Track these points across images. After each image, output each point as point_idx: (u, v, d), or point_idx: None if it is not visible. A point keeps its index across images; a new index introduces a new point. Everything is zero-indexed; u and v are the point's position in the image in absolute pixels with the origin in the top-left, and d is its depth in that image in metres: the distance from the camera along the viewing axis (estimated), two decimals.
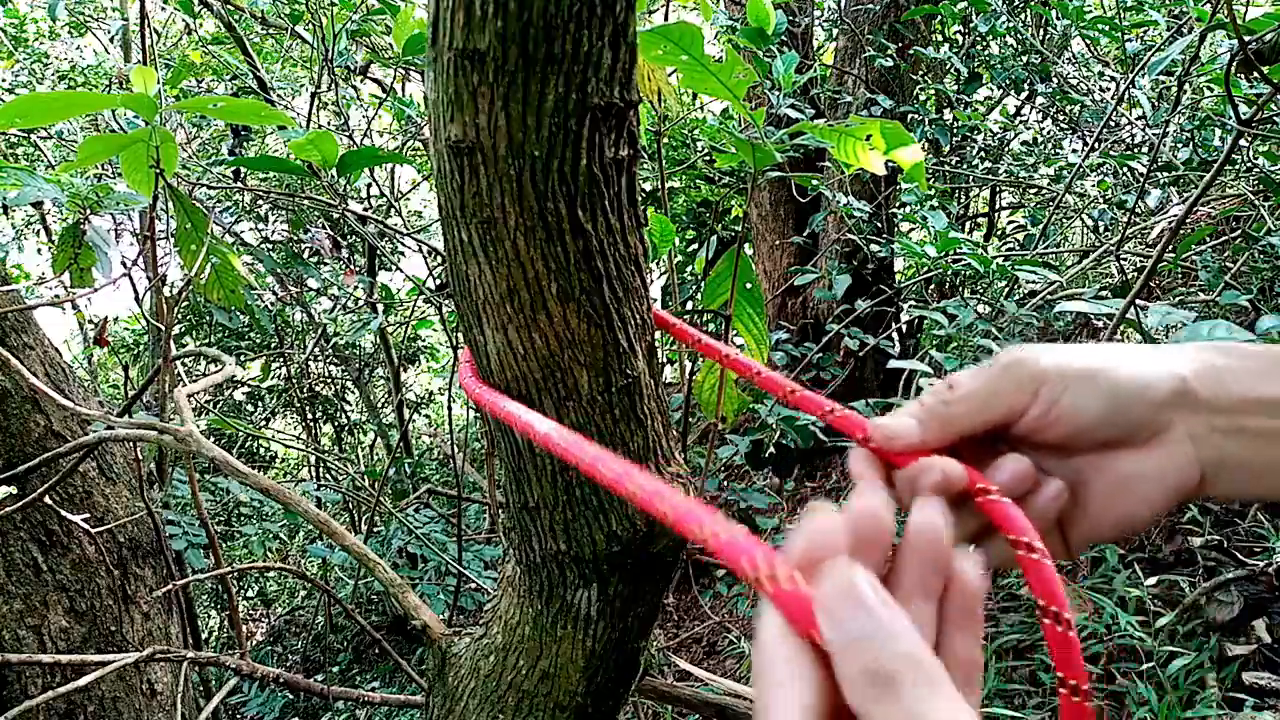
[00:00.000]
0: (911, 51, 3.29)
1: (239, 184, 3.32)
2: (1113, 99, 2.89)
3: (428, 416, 6.85)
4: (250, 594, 4.87)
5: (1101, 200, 3.08)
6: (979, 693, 0.35)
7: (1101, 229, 3.02)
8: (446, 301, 2.61)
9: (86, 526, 1.76)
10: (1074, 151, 3.34)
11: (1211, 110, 2.83)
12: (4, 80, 4.66)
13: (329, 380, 5.35)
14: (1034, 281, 2.78)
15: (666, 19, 3.98)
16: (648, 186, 4.78)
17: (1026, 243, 3.22)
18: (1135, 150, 3.04)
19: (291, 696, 3.42)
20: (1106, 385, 0.40)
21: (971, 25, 3.24)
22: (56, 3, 3.52)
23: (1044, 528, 0.42)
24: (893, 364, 1.96)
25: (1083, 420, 0.41)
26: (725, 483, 4.04)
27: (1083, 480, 0.42)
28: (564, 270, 0.59)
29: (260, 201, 4.08)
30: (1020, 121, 3.91)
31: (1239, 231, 2.58)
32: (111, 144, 1.35)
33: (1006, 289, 2.92)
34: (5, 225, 5.22)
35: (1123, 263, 2.70)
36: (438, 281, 2.74)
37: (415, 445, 6.14)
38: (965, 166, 3.56)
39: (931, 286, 3.25)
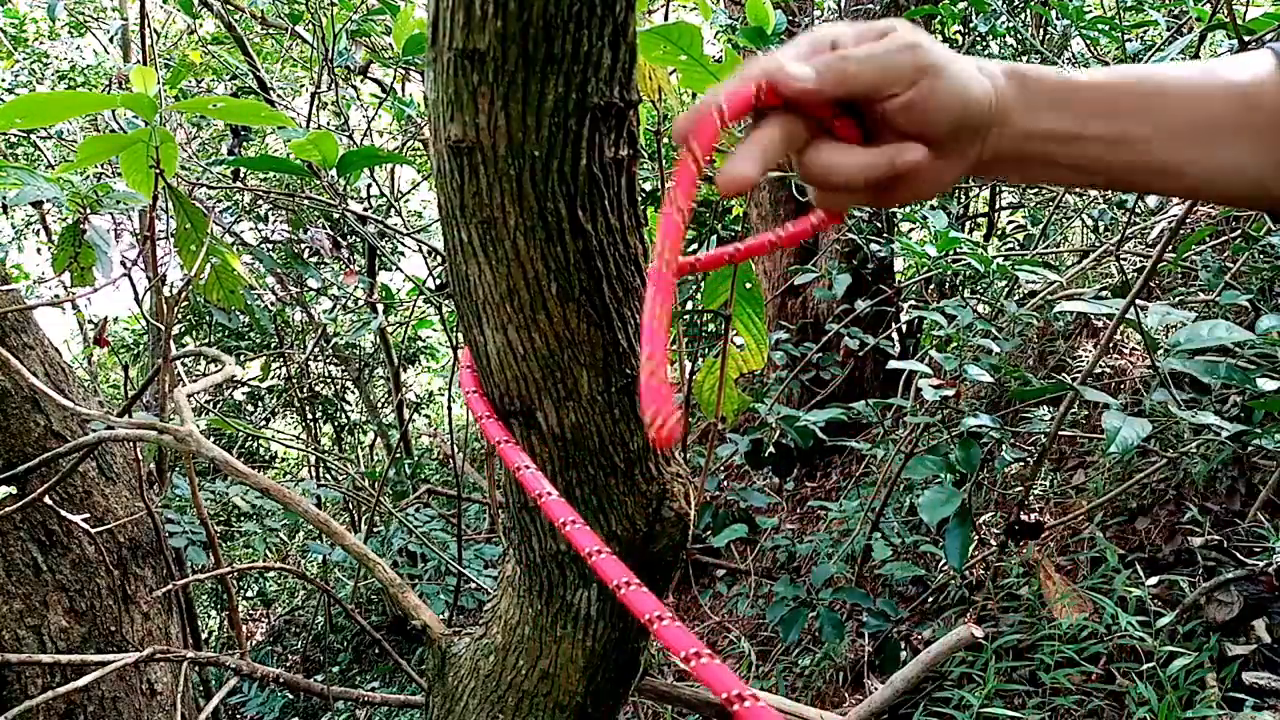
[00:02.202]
0: None
1: (239, 184, 3.32)
2: None
3: (428, 416, 6.85)
4: (250, 594, 4.86)
5: (1101, 200, 3.08)
6: None
7: (1101, 229, 3.02)
8: (446, 301, 2.61)
9: (86, 526, 1.76)
10: None
11: None
12: (4, 80, 4.66)
13: (329, 380, 5.35)
14: (1034, 281, 2.78)
15: (666, 19, 3.98)
16: (648, 186, 4.78)
17: (1026, 243, 3.22)
18: None
19: (291, 696, 3.42)
20: (963, 97, 0.45)
21: (971, 25, 3.24)
22: (56, 3, 3.52)
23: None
24: (893, 364, 1.96)
25: (937, 121, 0.45)
26: (725, 482, 4.04)
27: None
28: (564, 270, 0.59)
29: (260, 201, 4.08)
30: None
31: (1239, 231, 2.58)
32: (111, 144, 1.35)
33: (1006, 289, 2.92)
34: (5, 225, 5.22)
35: (1123, 263, 2.70)
36: (438, 281, 2.74)
37: (415, 445, 6.14)
38: None
39: (931, 286, 3.25)
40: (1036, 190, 3.74)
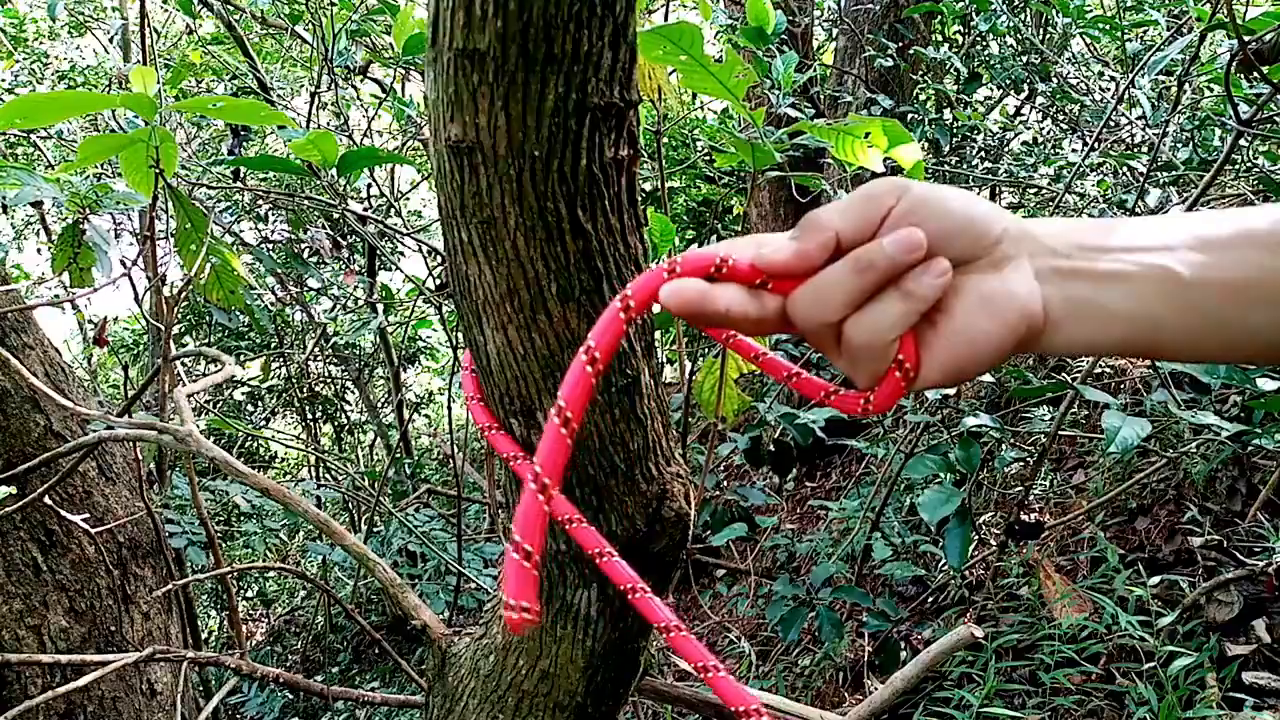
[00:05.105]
0: (911, 51, 3.29)
1: (239, 184, 3.31)
2: (1113, 99, 2.89)
3: (428, 416, 6.85)
4: (250, 594, 4.86)
5: (1101, 200, 3.08)
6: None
7: None
8: (446, 301, 2.61)
9: (86, 526, 1.76)
10: (1074, 151, 3.34)
11: (1211, 110, 2.83)
12: (4, 80, 4.66)
13: (329, 380, 5.35)
14: None
15: (666, 19, 3.98)
16: (648, 186, 4.78)
17: None
18: (1135, 150, 3.04)
19: (291, 696, 3.42)
20: (961, 203, 0.42)
21: (971, 25, 3.25)
22: (56, 3, 3.52)
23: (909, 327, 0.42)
24: None
25: (944, 224, 0.41)
26: (725, 481, 4.04)
27: (938, 303, 0.42)
28: (564, 270, 0.59)
29: (260, 201, 4.08)
30: (1020, 121, 3.91)
31: None
32: (111, 144, 1.35)
33: None
34: (5, 225, 5.22)
35: None
36: (438, 281, 2.74)
37: (415, 445, 6.14)
38: (965, 166, 3.56)
39: None
40: (1036, 191, 3.74)
